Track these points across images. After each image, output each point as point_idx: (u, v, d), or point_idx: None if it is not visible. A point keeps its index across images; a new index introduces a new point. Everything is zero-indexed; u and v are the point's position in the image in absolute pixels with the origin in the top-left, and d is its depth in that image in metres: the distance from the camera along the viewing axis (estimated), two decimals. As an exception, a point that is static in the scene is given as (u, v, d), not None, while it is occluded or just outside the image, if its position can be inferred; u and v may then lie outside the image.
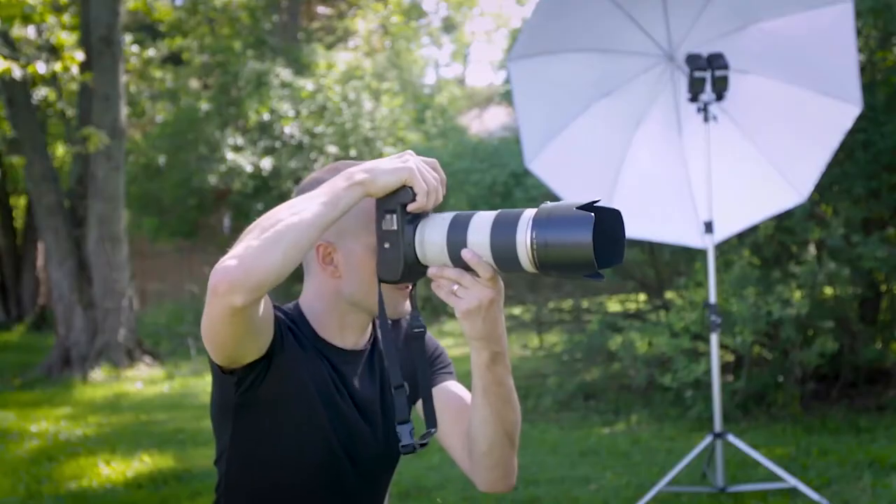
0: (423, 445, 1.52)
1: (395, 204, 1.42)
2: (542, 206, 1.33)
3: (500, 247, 1.35)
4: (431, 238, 1.42)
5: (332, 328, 1.60)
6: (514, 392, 1.56)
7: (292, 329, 1.55)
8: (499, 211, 1.38)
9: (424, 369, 1.56)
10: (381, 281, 1.48)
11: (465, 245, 1.38)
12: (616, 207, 1.36)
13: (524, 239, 1.32)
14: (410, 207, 1.42)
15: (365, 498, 1.65)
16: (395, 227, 1.43)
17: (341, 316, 1.60)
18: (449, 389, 1.69)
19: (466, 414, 1.63)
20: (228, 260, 1.31)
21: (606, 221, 1.35)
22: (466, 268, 1.40)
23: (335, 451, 1.58)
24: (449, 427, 1.64)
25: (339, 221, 1.45)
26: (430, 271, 1.44)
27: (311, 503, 1.59)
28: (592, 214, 1.28)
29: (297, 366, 1.52)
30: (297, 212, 1.35)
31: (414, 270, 1.45)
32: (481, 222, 1.37)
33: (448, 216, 1.42)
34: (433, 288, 1.45)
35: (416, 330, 1.54)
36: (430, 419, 1.54)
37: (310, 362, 1.55)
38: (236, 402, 1.52)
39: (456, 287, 1.42)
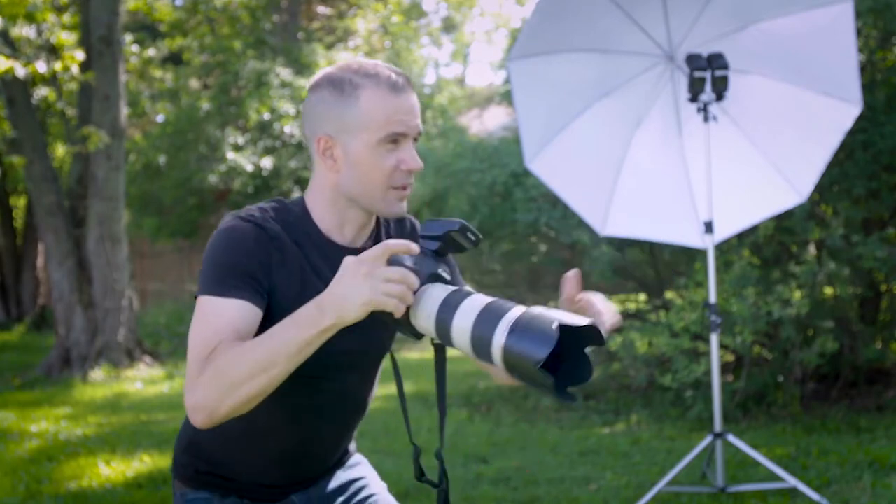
0: None
1: None
2: (529, 310, 1.37)
3: (478, 339, 1.39)
4: (424, 309, 1.46)
5: (332, 224, 1.67)
6: None
7: (277, 242, 1.61)
8: (492, 300, 1.41)
9: (443, 385, 1.60)
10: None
11: (450, 325, 1.42)
12: (591, 323, 1.36)
13: (499, 340, 1.36)
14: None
15: (335, 387, 1.71)
16: None
17: (341, 212, 1.66)
18: None
19: None
20: (200, 395, 1.46)
21: (583, 340, 1.39)
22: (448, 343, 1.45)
23: None
24: None
25: (340, 116, 1.57)
26: None
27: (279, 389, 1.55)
28: (556, 336, 1.30)
29: (287, 284, 1.60)
30: (266, 368, 1.43)
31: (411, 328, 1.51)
32: (470, 308, 1.41)
33: (443, 293, 1.45)
34: None
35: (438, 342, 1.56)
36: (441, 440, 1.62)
37: (296, 267, 1.62)
38: None
39: None
